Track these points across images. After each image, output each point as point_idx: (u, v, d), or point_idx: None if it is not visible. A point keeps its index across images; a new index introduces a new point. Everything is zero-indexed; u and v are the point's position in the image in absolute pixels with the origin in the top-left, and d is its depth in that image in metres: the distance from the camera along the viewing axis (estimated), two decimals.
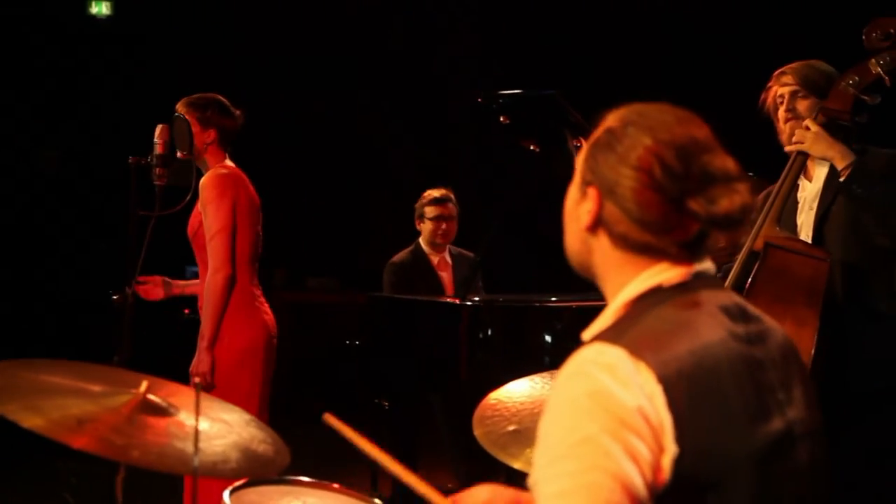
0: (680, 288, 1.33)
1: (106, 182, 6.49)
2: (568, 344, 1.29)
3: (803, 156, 2.80)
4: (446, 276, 4.97)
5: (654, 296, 1.32)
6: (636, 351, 1.22)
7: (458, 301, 4.10)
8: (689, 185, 1.31)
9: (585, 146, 1.43)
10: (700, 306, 1.31)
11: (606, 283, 1.40)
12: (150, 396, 1.83)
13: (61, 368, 1.87)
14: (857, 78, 2.72)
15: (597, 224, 1.37)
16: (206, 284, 3.43)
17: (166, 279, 3.73)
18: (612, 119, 1.40)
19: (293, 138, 8.11)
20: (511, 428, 2.09)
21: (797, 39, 5.36)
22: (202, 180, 3.48)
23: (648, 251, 1.34)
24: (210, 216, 3.44)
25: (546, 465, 1.20)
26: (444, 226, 4.93)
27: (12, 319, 7.33)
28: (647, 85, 2.74)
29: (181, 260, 3.93)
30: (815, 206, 2.82)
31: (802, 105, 2.83)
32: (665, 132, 1.33)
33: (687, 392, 1.21)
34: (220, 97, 3.63)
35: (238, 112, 3.64)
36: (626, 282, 1.35)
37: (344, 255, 8.21)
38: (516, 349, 3.95)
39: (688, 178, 1.31)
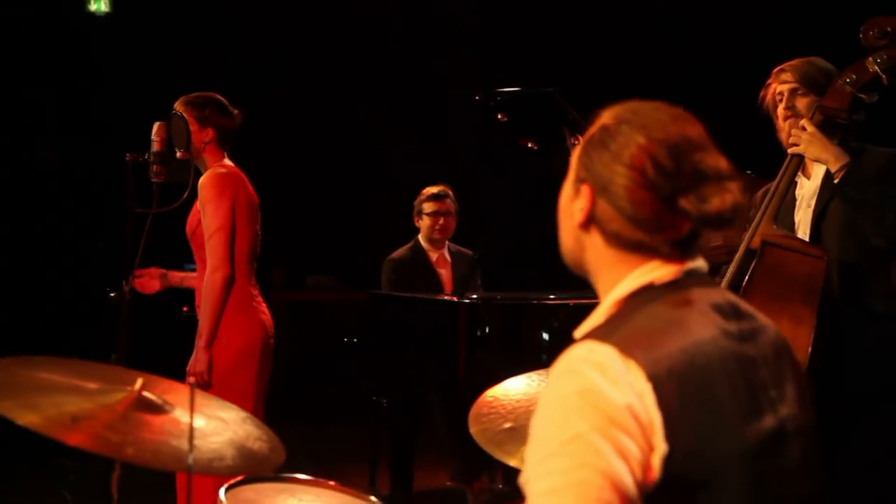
0: (671, 286, 1.33)
1: (103, 180, 6.48)
2: (565, 341, 1.29)
3: (800, 154, 2.79)
4: (445, 274, 4.97)
5: (646, 294, 1.33)
6: (626, 349, 1.22)
7: (456, 298, 4.09)
8: (680, 184, 1.31)
9: (580, 143, 1.43)
10: (692, 304, 1.31)
11: (599, 281, 1.40)
12: (146, 393, 1.83)
13: (58, 366, 1.86)
14: (854, 76, 2.70)
15: (590, 221, 1.37)
16: (205, 283, 3.42)
17: (163, 271, 3.72)
18: (606, 116, 1.40)
19: (292, 137, 8.10)
20: (507, 425, 2.08)
21: (795, 37, 5.35)
22: (201, 179, 3.47)
23: (640, 249, 1.34)
24: (209, 215, 3.43)
25: (537, 463, 1.20)
26: (441, 221, 4.93)
27: (10, 317, 7.32)
28: (644, 82, 2.74)
29: (179, 257, 3.92)
30: (812, 203, 2.81)
31: (802, 103, 2.81)
32: (659, 130, 1.34)
33: (677, 390, 1.21)
34: (219, 96, 3.61)
35: (236, 111, 3.63)
36: (619, 279, 1.36)
37: (343, 253, 8.21)
38: (514, 347, 3.95)
39: (679, 176, 1.31)
